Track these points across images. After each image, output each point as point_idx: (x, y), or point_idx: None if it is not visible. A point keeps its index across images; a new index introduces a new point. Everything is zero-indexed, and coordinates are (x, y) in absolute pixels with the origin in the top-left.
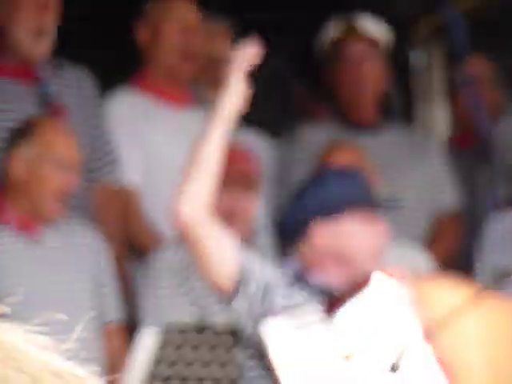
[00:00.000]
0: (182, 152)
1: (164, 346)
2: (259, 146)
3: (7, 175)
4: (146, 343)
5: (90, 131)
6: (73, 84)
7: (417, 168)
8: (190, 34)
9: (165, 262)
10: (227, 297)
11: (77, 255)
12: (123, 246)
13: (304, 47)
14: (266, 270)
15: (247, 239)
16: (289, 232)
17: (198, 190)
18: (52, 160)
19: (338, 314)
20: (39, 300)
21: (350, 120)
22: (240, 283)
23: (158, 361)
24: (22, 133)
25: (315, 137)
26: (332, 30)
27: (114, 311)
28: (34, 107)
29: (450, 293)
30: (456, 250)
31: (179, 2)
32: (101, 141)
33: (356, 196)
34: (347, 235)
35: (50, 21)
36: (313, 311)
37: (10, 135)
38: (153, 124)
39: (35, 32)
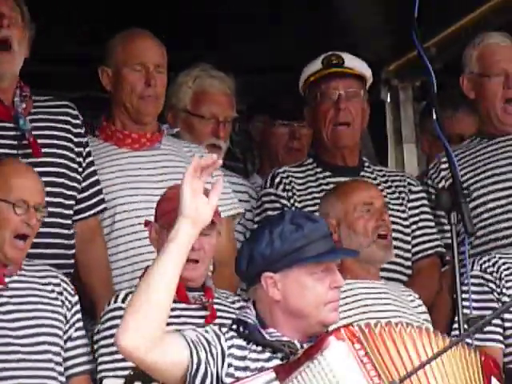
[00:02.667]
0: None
1: None
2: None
3: None
4: None
5: (72, 166)
6: (58, 120)
7: (399, 209)
8: (151, 76)
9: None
10: None
11: (42, 305)
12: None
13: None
14: (215, 345)
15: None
16: (242, 276)
17: (139, 323)
18: (6, 204)
19: (292, 380)
20: (4, 343)
21: (331, 161)
22: (189, 378)
23: None
24: None
25: (293, 178)
26: (313, 67)
27: (81, 363)
28: (11, 146)
29: (409, 344)
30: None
31: (141, 41)
32: (85, 179)
33: (313, 245)
34: (297, 288)
35: (15, 36)
36: (268, 379)
37: None
38: (112, 168)
39: None
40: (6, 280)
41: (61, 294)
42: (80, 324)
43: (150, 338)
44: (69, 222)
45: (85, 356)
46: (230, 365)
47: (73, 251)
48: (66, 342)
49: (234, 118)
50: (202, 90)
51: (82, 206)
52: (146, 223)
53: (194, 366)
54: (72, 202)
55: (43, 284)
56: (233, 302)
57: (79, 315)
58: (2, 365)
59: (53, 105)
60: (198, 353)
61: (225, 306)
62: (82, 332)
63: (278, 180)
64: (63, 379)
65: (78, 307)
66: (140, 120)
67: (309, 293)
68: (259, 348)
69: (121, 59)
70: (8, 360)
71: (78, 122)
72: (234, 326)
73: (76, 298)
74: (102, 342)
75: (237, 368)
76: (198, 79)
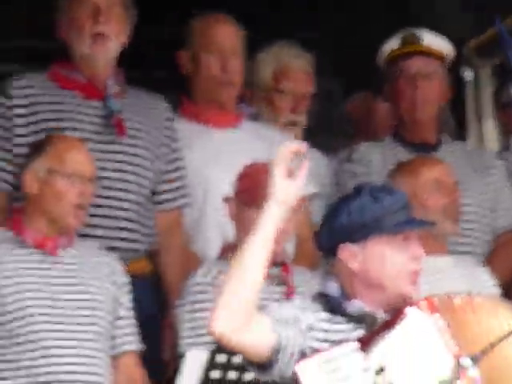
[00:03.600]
0: (225, 173)
1: (210, 367)
2: (315, 163)
3: (23, 191)
4: (192, 366)
5: (159, 156)
6: (146, 106)
7: (478, 184)
8: (230, 60)
9: (199, 282)
10: (262, 370)
11: (94, 277)
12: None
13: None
14: (301, 320)
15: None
16: (323, 251)
17: (231, 306)
18: (64, 173)
19: (373, 349)
20: (52, 317)
21: (409, 137)
22: (275, 355)
23: (205, 383)
24: (36, 148)
25: (372, 155)
26: (392, 44)
27: (130, 342)
28: (98, 124)
29: (491, 316)
30: None
31: (218, 27)
32: (170, 166)
33: (392, 216)
34: (375, 258)
35: (110, 28)
36: (349, 350)
37: (33, 147)
38: (194, 148)
39: (92, 37)
40: (59, 254)
41: (112, 273)
42: (130, 304)
43: (241, 321)
44: (146, 202)
45: (133, 335)
46: (314, 338)
47: (151, 231)
48: (115, 320)
49: (312, 95)
50: (281, 66)
51: (169, 196)
52: (225, 199)
53: (281, 344)
54: (151, 185)
55: (94, 261)
56: (311, 277)
57: (129, 295)
58: (49, 334)
59: (147, 96)
60: (283, 330)
61: (302, 280)
62: (131, 312)
63: (357, 156)
64: (109, 353)
65: (128, 287)
66: (219, 104)
67: (387, 263)
68: (342, 320)
69: (198, 44)
70: (56, 330)
71: (168, 115)
72: (318, 299)
73: (127, 278)
74: (182, 316)
75: (320, 340)
76: (277, 56)
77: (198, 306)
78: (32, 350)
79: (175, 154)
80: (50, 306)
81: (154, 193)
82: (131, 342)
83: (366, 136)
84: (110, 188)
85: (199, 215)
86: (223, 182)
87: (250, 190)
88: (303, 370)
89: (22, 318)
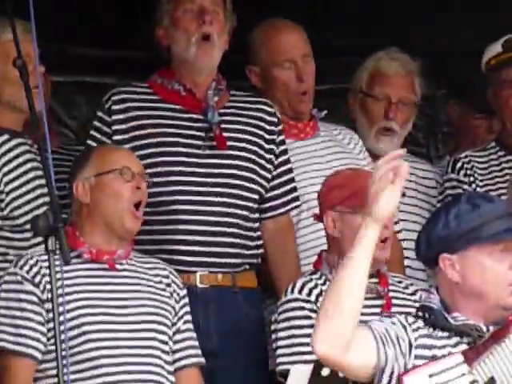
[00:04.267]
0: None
1: (315, 381)
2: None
3: (75, 202)
4: (297, 381)
5: (263, 163)
6: (248, 113)
7: None
8: (303, 69)
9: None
10: None
11: (150, 294)
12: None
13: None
14: (403, 338)
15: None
16: (422, 259)
17: (334, 329)
18: (114, 171)
19: (481, 362)
20: (111, 329)
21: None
22: (379, 375)
23: None
24: (80, 160)
25: (475, 163)
26: (494, 50)
27: (190, 356)
28: (199, 138)
29: None
30: None
31: (285, 37)
32: (276, 171)
33: (491, 225)
34: (475, 269)
35: (215, 31)
36: (455, 363)
37: (77, 159)
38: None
39: (198, 39)
40: (117, 267)
41: (169, 285)
42: (188, 317)
43: (344, 342)
44: (247, 213)
45: (194, 349)
46: (416, 356)
47: (256, 243)
48: (174, 334)
49: (414, 102)
50: (377, 71)
51: (276, 202)
52: (315, 217)
53: (382, 363)
54: (255, 196)
55: (151, 275)
56: (406, 287)
57: (188, 308)
58: (108, 351)
59: (249, 100)
60: (385, 349)
61: (399, 292)
62: (191, 325)
63: (459, 165)
64: (170, 368)
65: (186, 300)
66: (297, 116)
67: (487, 273)
68: (445, 334)
69: (267, 58)
70: (114, 346)
71: (273, 119)
72: (420, 313)
73: (184, 291)
74: (280, 334)
75: (424, 357)
76: (377, 61)
77: (295, 322)
78: (90, 369)
79: (280, 157)
80: (108, 322)
81: (261, 202)
82: (192, 355)
83: (467, 145)
84: (212, 203)
85: (296, 228)
86: (311, 194)
87: (351, 198)
88: (412, 382)
89: (79, 335)
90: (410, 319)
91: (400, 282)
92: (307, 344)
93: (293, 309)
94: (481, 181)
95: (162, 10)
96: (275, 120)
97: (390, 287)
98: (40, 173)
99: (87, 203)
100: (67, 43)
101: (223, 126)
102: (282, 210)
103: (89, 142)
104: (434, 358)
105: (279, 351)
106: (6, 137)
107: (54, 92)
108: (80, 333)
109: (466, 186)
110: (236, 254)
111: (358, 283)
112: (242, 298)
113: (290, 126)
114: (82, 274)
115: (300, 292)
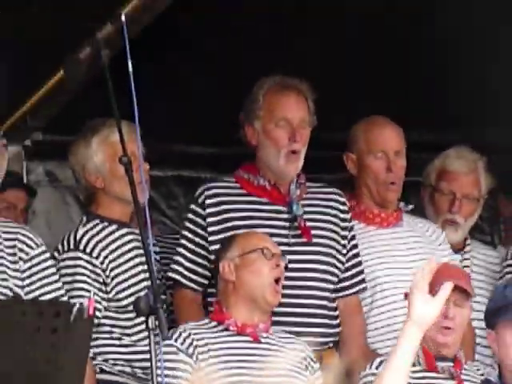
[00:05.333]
0: (393, 269)
1: None
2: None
3: (221, 281)
4: None
5: (339, 248)
6: (324, 202)
7: None
8: (394, 161)
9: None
10: None
11: (290, 366)
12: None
13: None
14: None
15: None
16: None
17: None
18: (256, 251)
19: None
20: None
21: None
22: None
23: None
24: (225, 243)
25: None
26: None
27: None
28: (284, 227)
29: None
30: None
31: (382, 131)
32: (348, 254)
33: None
34: (503, 344)
35: (300, 146)
36: None
37: (223, 243)
38: (364, 244)
39: (286, 154)
40: (260, 339)
41: (305, 359)
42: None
43: None
44: (330, 295)
45: None
46: None
47: (336, 321)
48: None
49: (478, 198)
50: (444, 168)
51: (347, 283)
52: (406, 295)
53: None
54: (335, 279)
55: (289, 349)
56: (481, 374)
57: (321, 380)
58: None
59: (324, 191)
60: None
61: (471, 376)
62: None
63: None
64: None
65: (319, 373)
66: (384, 205)
67: (508, 349)
68: None
69: (364, 147)
70: None
71: (345, 208)
72: None
73: (318, 364)
74: None
75: None
76: (445, 158)
77: None
78: None
79: (352, 241)
80: None
81: (337, 282)
82: None
83: None
84: (300, 287)
85: (367, 310)
86: (392, 281)
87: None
88: None
89: None
90: None
91: (478, 369)
92: None
93: (368, 382)
94: None
95: (254, 113)
96: (346, 208)
97: (464, 371)
98: (143, 259)
99: (233, 280)
100: (166, 142)
101: (305, 216)
102: (352, 291)
103: (184, 232)
104: None
105: None
106: (114, 227)
107: (154, 185)
108: None
109: None
110: (322, 333)
111: (396, 375)
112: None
113: (374, 214)
114: (230, 345)
115: (377, 368)
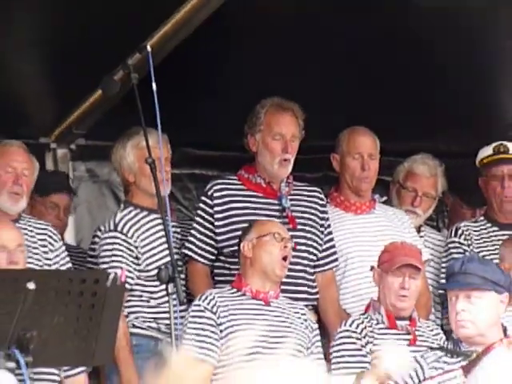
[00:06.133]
0: (362, 251)
1: None
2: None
3: (242, 257)
4: None
5: (318, 233)
6: (307, 198)
7: None
8: (368, 162)
9: (347, 330)
10: None
11: (294, 325)
12: None
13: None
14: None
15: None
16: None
17: None
18: (270, 236)
19: (472, 374)
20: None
21: (498, 219)
22: None
23: None
24: (247, 228)
25: (471, 231)
26: (487, 152)
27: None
28: (275, 216)
29: None
30: None
31: (360, 138)
32: (325, 238)
33: (452, 277)
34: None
35: (291, 155)
36: (457, 375)
37: (244, 228)
38: (337, 229)
39: (279, 162)
40: (270, 303)
41: (305, 320)
42: (319, 343)
43: None
44: (310, 270)
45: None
46: (433, 368)
47: (315, 290)
48: (309, 355)
49: (434, 197)
50: (410, 170)
51: (323, 261)
52: (372, 267)
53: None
54: (314, 258)
55: (294, 312)
56: (431, 330)
57: (318, 337)
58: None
59: (308, 189)
60: None
61: (424, 332)
62: (321, 349)
63: (460, 232)
64: None
65: (317, 331)
66: (359, 194)
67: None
68: (452, 358)
69: (345, 149)
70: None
71: (323, 203)
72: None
73: (316, 325)
74: (335, 359)
75: (436, 368)
76: (412, 162)
77: (346, 346)
78: None
79: (328, 229)
80: (259, 346)
81: (316, 260)
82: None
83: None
84: (291, 263)
85: (340, 279)
86: (361, 256)
87: (387, 262)
88: None
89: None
90: (427, 355)
91: (428, 327)
92: (353, 362)
93: (343, 337)
94: (476, 244)
95: (256, 127)
96: (324, 203)
97: (418, 328)
98: (165, 239)
99: (250, 257)
100: (182, 147)
101: (292, 208)
102: (328, 267)
103: (196, 218)
104: (442, 371)
105: (334, 371)
106: (144, 213)
107: (173, 181)
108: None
109: (465, 247)
110: (303, 297)
111: None
112: None
113: (350, 203)
114: (246, 307)
115: (350, 325)
